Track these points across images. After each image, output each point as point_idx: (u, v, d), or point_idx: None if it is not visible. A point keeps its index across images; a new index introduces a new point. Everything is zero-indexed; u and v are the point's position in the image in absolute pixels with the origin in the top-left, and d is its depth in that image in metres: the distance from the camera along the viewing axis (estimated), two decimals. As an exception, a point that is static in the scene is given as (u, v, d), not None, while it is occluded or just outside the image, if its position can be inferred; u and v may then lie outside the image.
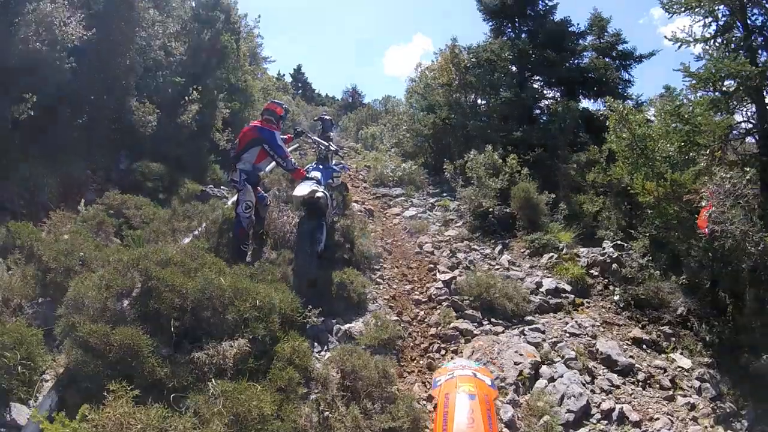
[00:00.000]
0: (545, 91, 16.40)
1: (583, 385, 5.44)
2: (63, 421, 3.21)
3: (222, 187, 10.34)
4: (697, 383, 5.98)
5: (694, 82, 9.61)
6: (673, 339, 7.00)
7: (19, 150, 7.33)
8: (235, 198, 7.46)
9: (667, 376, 6.07)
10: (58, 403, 3.70)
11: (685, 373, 6.20)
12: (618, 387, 5.67)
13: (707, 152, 8.80)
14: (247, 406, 3.58)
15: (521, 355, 5.72)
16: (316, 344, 5.47)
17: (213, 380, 3.87)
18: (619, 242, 8.93)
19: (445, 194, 12.39)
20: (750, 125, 9.80)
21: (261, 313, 4.57)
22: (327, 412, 4.06)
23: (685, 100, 9.66)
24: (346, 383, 4.42)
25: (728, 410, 5.59)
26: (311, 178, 6.90)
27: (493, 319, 6.65)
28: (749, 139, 10.23)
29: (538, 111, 15.96)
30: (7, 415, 3.55)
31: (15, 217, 6.22)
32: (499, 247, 9.18)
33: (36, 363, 3.90)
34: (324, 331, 5.74)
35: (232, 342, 4.27)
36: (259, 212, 7.25)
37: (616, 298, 7.66)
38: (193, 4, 12.91)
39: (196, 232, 7.05)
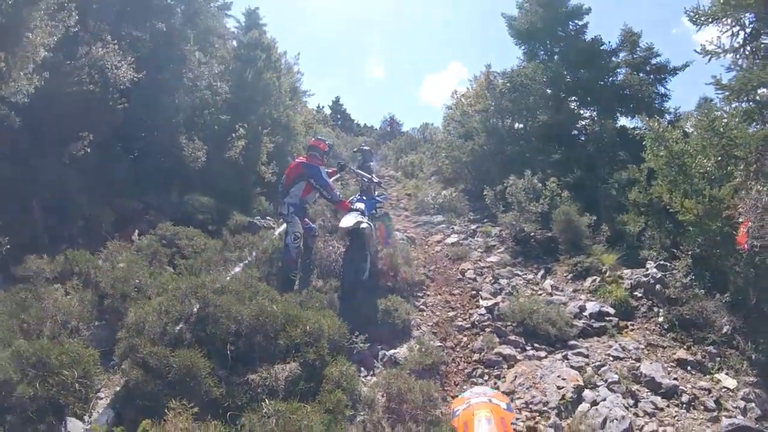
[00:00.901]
0: (581, 111, 16.40)
1: (626, 408, 5.51)
2: None
3: (268, 217, 10.74)
4: (742, 403, 5.95)
5: (727, 93, 9.57)
6: (718, 359, 6.95)
7: (77, 185, 7.84)
8: (282, 228, 7.87)
9: (712, 397, 6.05)
10: (114, 418, 4.01)
11: (730, 394, 6.16)
12: (662, 410, 5.69)
13: (744, 166, 8.74)
14: (297, 425, 3.79)
15: (564, 379, 5.84)
16: (362, 369, 5.75)
17: (266, 400, 4.09)
18: (662, 262, 8.88)
19: (486, 220, 12.50)
20: (787, 133, 9.68)
21: (311, 338, 4.85)
22: None
23: (719, 113, 9.62)
24: (392, 406, 4.61)
25: (775, 429, 5.57)
26: (356, 210, 7.28)
27: (536, 344, 6.76)
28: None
29: (575, 132, 15.97)
30: (63, 429, 3.82)
31: (73, 247, 6.63)
32: (542, 271, 9.27)
33: (92, 381, 4.18)
34: (370, 357, 6.03)
35: (284, 365, 4.56)
36: (307, 242, 7.67)
37: (660, 319, 7.64)
38: (235, 44, 13.56)
39: (247, 261, 7.40)
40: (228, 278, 5.67)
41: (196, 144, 10.11)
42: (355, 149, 16.83)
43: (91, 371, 4.21)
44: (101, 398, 4.40)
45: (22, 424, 3.72)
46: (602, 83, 15.93)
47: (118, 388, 4.37)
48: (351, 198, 8.03)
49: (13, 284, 5.66)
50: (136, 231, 7.79)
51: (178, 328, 4.59)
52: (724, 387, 6.29)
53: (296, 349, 4.74)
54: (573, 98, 16.41)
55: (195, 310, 4.78)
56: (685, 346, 7.16)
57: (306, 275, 7.55)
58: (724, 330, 7.46)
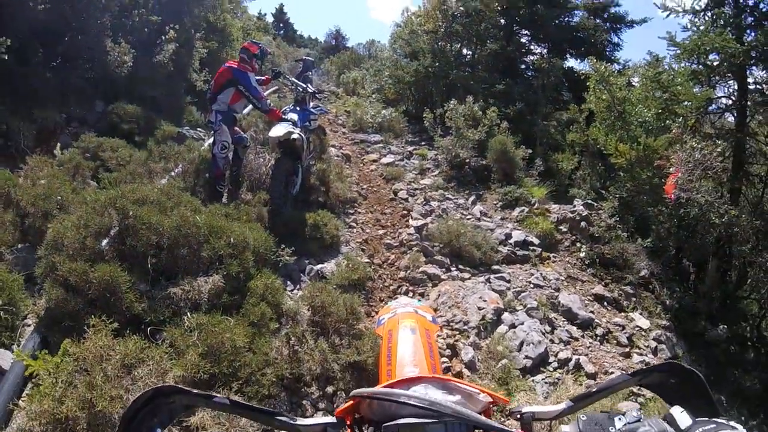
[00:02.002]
0: (532, 47, 16.26)
1: (543, 334, 5.61)
2: (45, 358, 3.30)
3: (199, 128, 10.11)
4: (653, 343, 6.20)
5: (678, 52, 9.66)
6: (634, 299, 7.23)
7: None
8: (211, 139, 7.37)
9: (625, 333, 6.28)
10: (40, 343, 3.77)
11: (643, 333, 6.42)
12: (576, 339, 5.86)
13: (682, 122, 8.90)
14: (220, 338, 3.71)
15: (485, 301, 5.86)
16: (288, 283, 5.58)
17: (188, 314, 4.00)
18: (590, 201, 9.05)
19: (423, 143, 12.28)
20: (730, 102, 9.91)
21: (235, 250, 4.66)
22: (296, 346, 4.17)
23: (667, 68, 9.70)
24: (316, 319, 4.53)
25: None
26: (287, 120, 6.85)
27: (460, 266, 6.76)
28: (728, 116, 10.38)
29: (522, 66, 15.84)
30: (-11, 360, 3.57)
31: None
32: (473, 197, 9.21)
33: (18, 308, 4.01)
34: (297, 271, 5.86)
35: (206, 278, 4.38)
36: (238, 153, 7.23)
37: (582, 255, 7.80)
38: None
39: (173, 173, 6.96)
40: (150, 189, 5.24)
41: (122, 47, 9.19)
42: (296, 59, 16.04)
43: (16, 297, 4.03)
44: (29, 325, 4.14)
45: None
46: (557, 22, 15.76)
47: (43, 313, 4.11)
48: (284, 108, 7.52)
49: (-74, 206, 5.11)
50: (58, 144, 7.19)
51: (98, 243, 4.30)
52: (638, 326, 6.51)
53: (220, 261, 4.57)
54: (525, 32, 16.18)
55: (114, 223, 4.48)
56: (603, 283, 7.37)
57: (234, 188, 7.17)
58: (642, 273, 7.73)
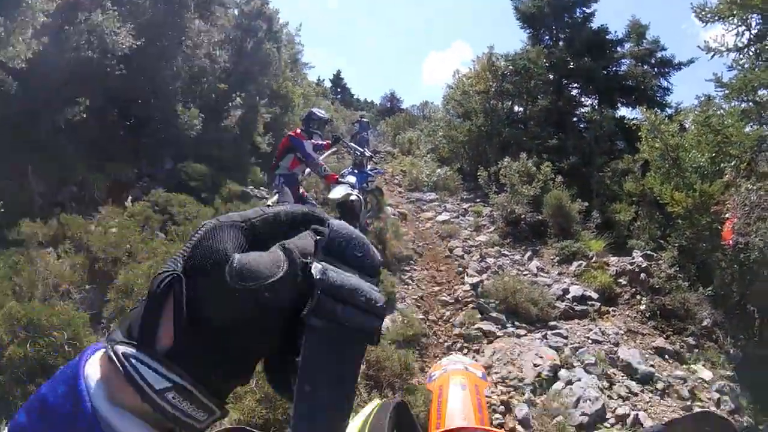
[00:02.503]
0: (582, 99, 16.40)
1: (601, 390, 5.56)
2: None
3: (262, 188, 10.66)
4: (716, 395, 6.01)
5: (726, 92, 9.58)
6: (696, 350, 7.03)
7: (73, 151, 7.75)
8: (274, 199, 7.83)
9: (687, 386, 6.09)
10: None
11: (705, 385, 6.22)
12: (636, 394, 5.75)
13: (736, 163, 8.76)
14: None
15: (541, 357, 5.89)
16: None
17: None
18: (649, 252, 8.93)
19: (478, 200, 12.50)
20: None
21: None
22: None
23: (717, 110, 9.62)
24: (370, 373, 4.66)
25: (745, 424, 5.64)
26: (345, 182, 7.24)
27: (516, 323, 6.82)
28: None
29: (574, 119, 15.95)
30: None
31: (66, 212, 6.62)
32: (529, 253, 9.29)
33: (81, 343, 4.17)
34: None
35: None
36: None
37: (642, 307, 7.68)
38: (236, 13, 13.37)
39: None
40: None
41: (192, 112, 9.98)
42: (353, 122, 16.70)
43: (81, 333, 4.24)
44: None
45: (13, 385, 3.77)
46: (605, 72, 15.90)
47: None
48: (343, 171, 7.97)
49: (7, 248, 5.63)
50: (129, 197, 7.73)
51: None
52: (700, 378, 6.34)
53: None
54: (574, 85, 16.36)
55: None
56: (664, 335, 7.22)
57: None
58: (705, 323, 7.51)
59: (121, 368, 0.44)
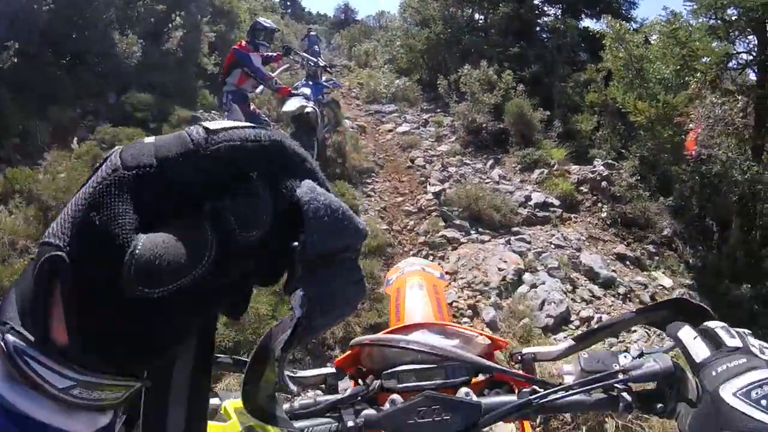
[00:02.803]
0: (545, 8, 15.90)
1: (564, 293, 5.56)
2: None
3: (213, 111, 10.14)
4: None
5: (695, 7, 9.38)
6: (657, 258, 7.17)
7: (9, 100, 7.25)
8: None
9: (648, 292, 6.21)
10: None
11: (666, 292, 6.35)
12: (599, 298, 5.80)
13: (701, 77, 8.68)
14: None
15: (505, 262, 5.83)
16: None
17: None
18: (610, 161, 8.92)
19: (438, 110, 12.19)
20: (750, 57, 9.62)
21: None
22: None
23: (684, 24, 9.45)
24: None
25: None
26: (299, 94, 6.85)
27: (480, 229, 6.75)
28: (749, 72, 10.08)
29: (537, 28, 15.51)
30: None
31: (11, 166, 6.26)
32: (491, 161, 9.16)
33: None
34: None
35: None
36: None
37: (603, 215, 7.74)
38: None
39: None
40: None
41: (130, 39, 9.26)
42: (302, 37, 15.89)
43: None
44: None
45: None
46: (571, -19, 15.36)
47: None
48: (296, 83, 7.53)
49: (-47, 213, 5.37)
50: (75, 139, 7.38)
51: None
52: (660, 285, 6.45)
53: None
54: (538, -7, 15.81)
55: None
56: (625, 243, 7.31)
57: None
58: (665, 232, 7.63)
59: (13, 366, 0.36)
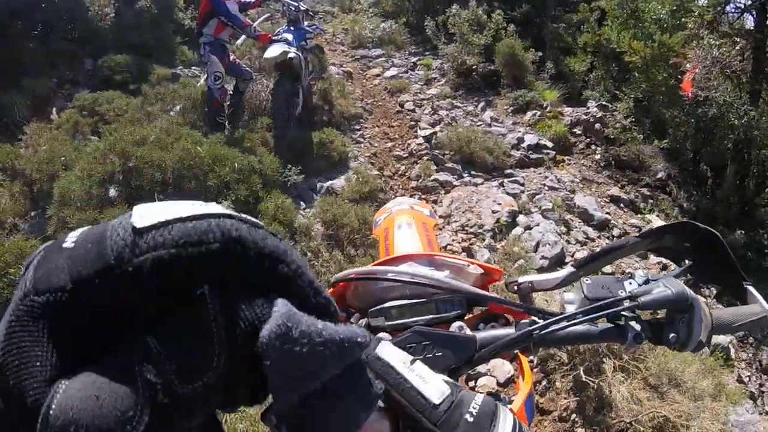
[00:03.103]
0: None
1: (559, 235, 5.51)
2: None
3: (194, 67, 9.81)
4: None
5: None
6: (651, 201, 7.12)
7: None
8: (203, 80, 7.22)
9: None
10: None
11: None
12: (593, 240, 5.76)
13: (698, 19, 8.44)
14: None
15: (499, 204, 5.75)
16: (301, 203, 5.59)
17: None
18: (604, 103, 8.74)
19: (427, 53, 11.81)
20: (749, 1, 9.35)
21: (241, 175, 4.85)
22: (313, 260, 4.29)
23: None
24: (329, 233, 4.68)
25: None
26: (281, 40, 6.58)
27: (473, 172, 6.64)
28: (748, 17, 9.81)
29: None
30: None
31: None
32: (482, 104, 8.93)
33: None
34: (307, 190, 5.91)
35: None
36: (238, 87, 7.00)
37: (597, 157, 7.63)
38: None
39: (172, 113, 6.88)
40: (147, 129, 5.47)
41: (102, 0, 8.98)
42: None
43: None
44: None
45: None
46: None
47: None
48: (277, 30, 7.20)
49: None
50: (54, 109, 7.32)
51: (104, 190, 4.56)
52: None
53: (227, 187, 4.74)
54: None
55: (117, 167, 4.66)
56: (619, 185, 7.25)
57: (236, 119, 7.04)
58: (659, 175, 7.58)
59: None
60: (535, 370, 3.63)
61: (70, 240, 0.32)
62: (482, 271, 1.08)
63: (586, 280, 0.94)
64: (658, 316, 0.89)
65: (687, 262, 1.00)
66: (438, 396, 0.60)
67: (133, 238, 0.29)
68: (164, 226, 0.30)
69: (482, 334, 0.90)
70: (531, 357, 3.61)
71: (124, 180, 4.57)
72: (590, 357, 3.44)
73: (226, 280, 0.30)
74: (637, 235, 1.03)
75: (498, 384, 3.56)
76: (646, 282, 0.91)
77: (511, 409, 1.00)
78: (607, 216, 6.21)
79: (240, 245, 0.30)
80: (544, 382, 3.59)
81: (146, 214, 0.31)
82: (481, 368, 3.62)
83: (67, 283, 0.29)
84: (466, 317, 0.98)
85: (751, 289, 0.97)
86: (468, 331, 0.92)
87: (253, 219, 0.35)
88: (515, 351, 0.92)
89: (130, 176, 4.56)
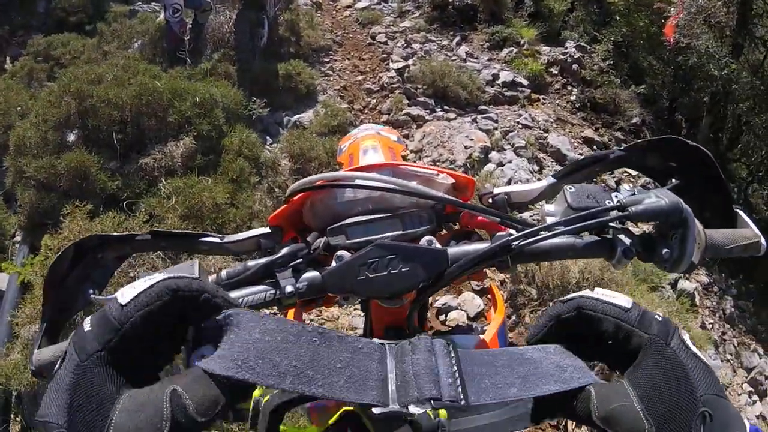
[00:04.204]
0: None
1: (531, 173, 5.46)
2: (32, 262, 3.49)
3: (153, 2, 9.18)
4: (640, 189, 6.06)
5: None
6: (624, 145, 7.01)
7: None
8: (162, 16, 6.75)
9: (614, 177, 6.16)
10: (29, 252, 3.96)
11: (631, 179, 6.35)
12: (565, 179, 5.66)
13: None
14: (199, 198, 3.87)
15: (472, 140, 5.61)
16: (267, 138, 5.47)
17: (164, 181, 4.11)
18: (582, 44, 8.55)
19: (401, -15, 11.41)
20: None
21: (202, 109, 4.63)
22: (280, 195, 4.28)
23: None
24: (297, 167, 4.63)
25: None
26: None
27: (446, 107, 6.48)
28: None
29: None
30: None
31: None
32: (458, 38, 8.63)
33: (4, 228, 4.23)
34: (273, 124, 5.77)
35: (177, 142, 4.42)
36: (198, 19, 6.52)
37: (572, 98, 7.54)
38: None
39: (131, 51, 6.58)
40: (103, 67, 5.23)
41: None
42: None
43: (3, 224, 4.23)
44: (18, 241, 4.26)
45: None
46: None
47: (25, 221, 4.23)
48: None
49: None
50: (8, 58, 7.06)
51: (61, 134, 4.39)
52: (626, 171, 6.38)
53: (188, 123, 4.56)
54: None
55: (73, 108, 4.45)
56: (593, 128, 7.21)
57: (198, 53, 6.64)
58: (634, 120, 7.58)
59: None
60: (504, 305, 3.57)
61: (87, 325, 0.49)
62: (453, 180, 0.96)
63: (570, 188, 0.85)
64: (647, 230, 0.82)
65: (673, 181, 0.90)
66: (627, 302, 0.60)
67: (121, 309, 0.49)
68: (140, 294, 0.50)
69: (454, 249, 0.82)
70: (508, 275, 3.55)
71: (81, 122, 4.38)
72: (559, 293, 3.36)
73: (183, 313, 0.52)
74: (622, 148, 0.98)
75: (468, 318, 3.53)
76: (634, 192, 0.81)
77: (483, 339, 0.95)
78: (580, 157, 6.12)
79: (179, 292, 0.51)
80: (513, 317, 3.53)
81: (126, 293, 0.50)
82: (452, 302, 3.58)
83: (97, 347, 0.48)
84: (435, 235, 0.90)
85: (741, 213, 0.89)
86: (438, 245, 0.84)
87: (183, 273, 0.53)
88: (490, 267, 0.82)
89: (86, 117, 4.37)
